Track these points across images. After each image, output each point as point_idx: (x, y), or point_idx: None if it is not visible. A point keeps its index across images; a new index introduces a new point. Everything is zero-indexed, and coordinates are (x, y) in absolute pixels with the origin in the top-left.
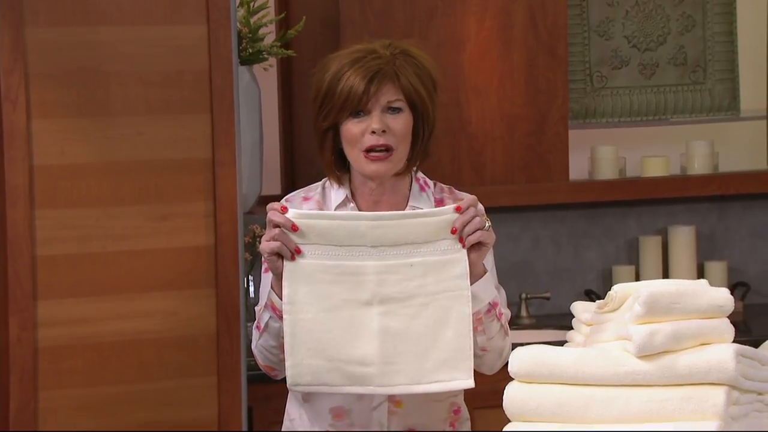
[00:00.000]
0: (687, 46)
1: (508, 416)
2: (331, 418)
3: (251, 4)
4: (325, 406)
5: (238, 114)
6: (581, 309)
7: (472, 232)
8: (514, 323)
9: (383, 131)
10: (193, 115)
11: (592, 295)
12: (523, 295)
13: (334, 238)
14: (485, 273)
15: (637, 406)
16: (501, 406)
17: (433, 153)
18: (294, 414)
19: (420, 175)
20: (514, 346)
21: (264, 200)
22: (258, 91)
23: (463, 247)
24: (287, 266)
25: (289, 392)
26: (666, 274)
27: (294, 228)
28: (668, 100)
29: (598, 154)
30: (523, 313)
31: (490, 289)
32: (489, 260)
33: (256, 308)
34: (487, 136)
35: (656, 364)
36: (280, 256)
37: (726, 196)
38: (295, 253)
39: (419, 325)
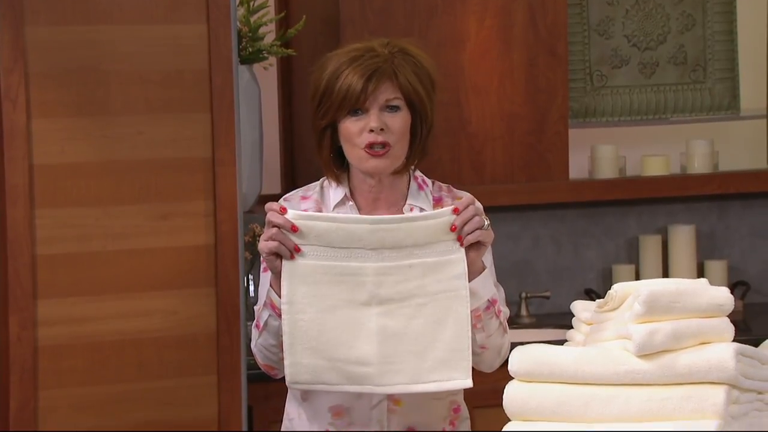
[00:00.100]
0: (687, 45)
1: (508, 415)
2: (330, 416)
3: (251, 3)
4: (325, 404)
5: (238, 113)
6: (581, 308)
7: (471, 232)
8: (515, 322)
9: (381, 129)
10: (193, 114)
11: (592, 294)
12: (523, 294)
13: (332, 240)
14: (484, 270)
15: (637, 405)
16: (501, 405)
17: (432, 152)
18: (293, 413)
19: (418, 173)
20: (514, 345)
21: (264, 199)
22: (258, 90)
23: (462, 246)
24: (286, 266)
25: (288, 392)
26: (666, 273)
27: (294, 229)
28: (668, 99)
29: (598, 153)
30: (523, 312)
31: (489, 286)
32: (488, 258)
33: (255, 308)
34: (487, 135)
35: (656, 363)
36: (278, 255)
37: (726, 195)
38: (294, 252)
39: (418, 325)
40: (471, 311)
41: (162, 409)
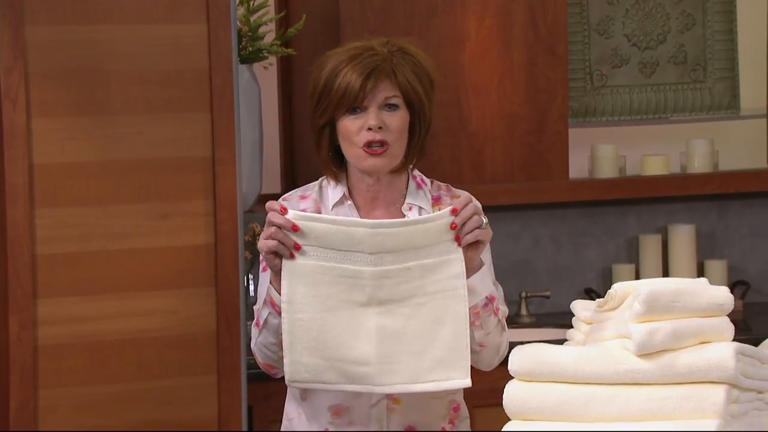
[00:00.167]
0: (687, 44)
1: (508, 415)
2: (329, 415)
3: (251, 3)
4: (324, 404)
5: (238, 113)
6: (581, 307)
7: (470, 231)
8: (515, 322)
9: (380, 128)
10: (193, 113)
11: (592, 294)
12: (523, 294)
13: (332, 242)
14: (482, 266)
15: (637, 405)
16: (501, 404)
17: (432, 152)
18: (292, 413)
19: (416, 172)
20: (514, 344)
21: (264, 199)
22: (258, 90)
23: (459, 245)
24: (286, 265)
25: (288, 392)
26: (666, 273)
27: (294, 228)
28: (668, 98)
29: (598, 153)
30: (523, 311)
31: (487, 282)
32: (486, 257)
33: (255, 307)
34: (487, 134)
35: (656, 362)
36: (277, 254)
37: (726, 194)
38: (295, 250)
39: (416, 324)
40: (469, 308)
41: (162, 408)
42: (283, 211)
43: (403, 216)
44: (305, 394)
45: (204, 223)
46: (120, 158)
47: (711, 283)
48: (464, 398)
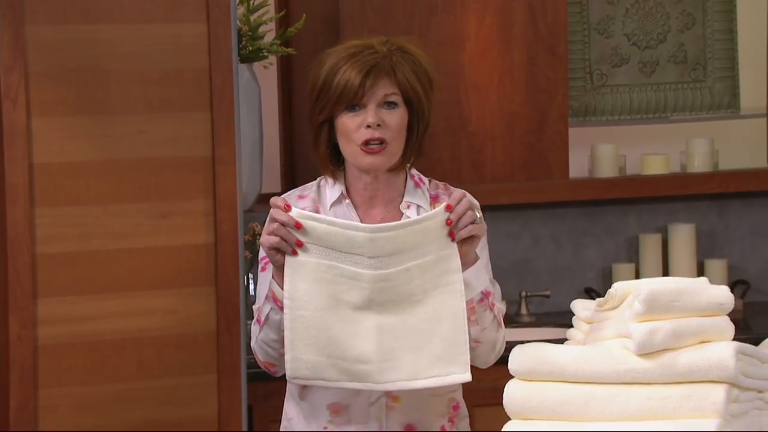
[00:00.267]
0: (687, 43)
1: (508, 414)
2: (328, 414)
3: (251, 2)
4: (323, 402)
5: (238, 112)
6: (581, 307)
7: (464, 227)
8: (515, 321)
9: (378, 125)
10: (193, 113)
11: (592, 293)
12: (523, 293)
13: (333, 243)
14: (477, 260)
15: (637, 404)
16: (501, 404)
17: (432, 151)
18: (291, 413)
19: (414, 171)
20: (515, 344)
21: (264, 198)
22: (258, 89)
23: (453, 240)
24: (288, 261)
25: (287, 391)
26: (666, 272)
27: (297, 225)
28: (668, 97)
29: (598, 152)
30: (523, 311)
31: (482, 277)
32: (484, 255)
33: (254, 307)
34: (487, 134)
35: (656, 362)
36: (279, 250)
37: (726, 193)
38: (297, 247)
39: (415, 321)
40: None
41: (162, 408)
42: (287, 208)
43: (401, 214)
44: (304, 393)
45: (204, 222)
46: (120, 158)
47: (711, 282)
48: (464, 397)
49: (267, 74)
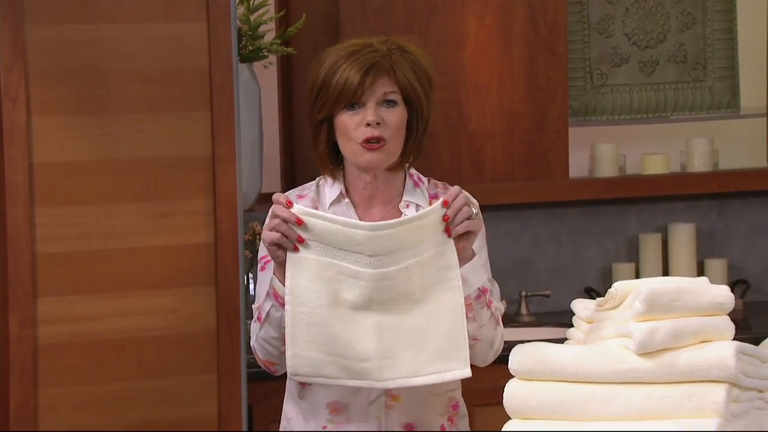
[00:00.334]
0: (687, 43)
1: (508, 414)
2: (328, 413)
3: (251, 2)
4: (322, 401)
5: (238, 111)
6: (581, 307)
7: (460, 222)
8: (515, 321)
9: (377, 123)
10: (193, 112)
11: (592, 293)
12: (523, 293)
13: (333, 241)
14: (473, 257)
15: (637, 404)
16: (501, 403)
17: (432, 151)
18: (291, 413)
19: (413, 171)
20: (514, 343)
21: (264, 198)
22: (258, 89)
23: (449, 236)
24: (289, 257)
25: (286, 391)
26: (666, 272)
27: (299, 222)
28: (668, 97)
29: (598, 152)
30: (523, 310)
31: (479, 274)
32: (483, 253)
33: (253, 306)
34: (487, 133)
35: (656, 361)
36: (280, 246)
37: (726, 193)
38: (298, 243)
39: (414, 317)
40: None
41: (162, 407)
42: (288, 204)
43: (401, 214)
44: (303, 393)
45: (204, 222)
46: (120, 157)
47: (711, 282)
48: (464, 397)
49: (267, 74)
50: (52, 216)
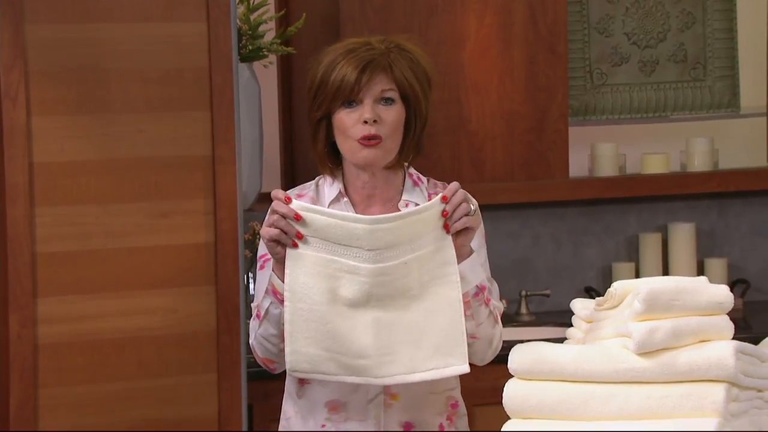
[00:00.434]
0: (687, 43)
1: (507, 413)
2: (326, 411)
3: (251, 1)
4: (321, 400)
5: (238, 111)
6: (581, 306)
7: (459, 219)
8: (515, 320)
9: (375, 121)
10: (193, 112)
11: (591, 293)
12: (523, 293)
13: (332, 236)
14: (471, 254)
15: (637, 403)
16: (501, 403)
17: (432, 150)
18: (290, 412)
19: (413, 170)
20: (514, 343)
21: (264, 197)
22: (258, 89)
23: (448, 233)
24: (289, 253)
25: (285, 391)
26: (666, 271)
27: (297, 217)
28: (668, 97)
29: (598, 151)
30: (523, 310)
31: (477, 271)
32: (482, 252)
33: (252, 305)
34: (487, 133)
35: (656, 361)
36: (279, 242)
37: (726, 193)
38: (297, 239)
39: (412, 314)
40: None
41: (162, 407)
42: (287, 200)
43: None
44: (301, 392)
45: (204, 221)
46: (120, 157)
47: (711, 281)
48: (463, 396)
49: (267, 73)
50: (52, 216)
